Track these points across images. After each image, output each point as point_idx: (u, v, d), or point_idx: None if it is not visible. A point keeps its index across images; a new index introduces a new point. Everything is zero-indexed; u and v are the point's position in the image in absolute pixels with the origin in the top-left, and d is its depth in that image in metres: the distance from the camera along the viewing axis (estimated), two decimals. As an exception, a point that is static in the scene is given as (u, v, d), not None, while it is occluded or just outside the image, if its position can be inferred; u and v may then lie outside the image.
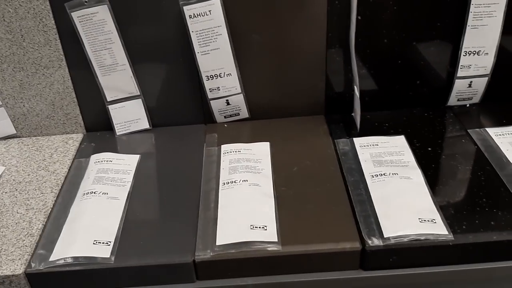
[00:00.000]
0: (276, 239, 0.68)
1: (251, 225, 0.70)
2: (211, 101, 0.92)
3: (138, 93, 0.92)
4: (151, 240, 0.71)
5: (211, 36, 0.85)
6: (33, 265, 0.68)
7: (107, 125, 0.95)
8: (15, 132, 0.95)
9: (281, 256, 0.67)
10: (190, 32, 0.85)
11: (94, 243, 0.70)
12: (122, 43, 0.86)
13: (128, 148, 0.91)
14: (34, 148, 0.93)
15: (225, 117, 0.95)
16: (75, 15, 0.83)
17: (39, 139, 0.96)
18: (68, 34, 0.86)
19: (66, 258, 0.68)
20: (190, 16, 0.83)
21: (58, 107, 0.93)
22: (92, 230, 0.72)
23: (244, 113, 0.95)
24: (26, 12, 0.84)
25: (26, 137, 0.96)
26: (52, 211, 0.77)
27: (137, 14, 0.85)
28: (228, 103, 0.93)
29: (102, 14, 0.84)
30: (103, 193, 0.78)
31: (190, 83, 0.92)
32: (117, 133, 0.94)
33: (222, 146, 0.87)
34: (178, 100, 0.94)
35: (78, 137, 0.95)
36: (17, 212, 0.77)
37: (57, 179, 0.84)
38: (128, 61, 0.88)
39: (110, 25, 0.85)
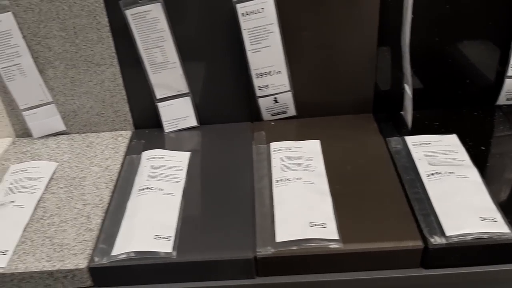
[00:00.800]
0: (337, 237, 0.68)
1: (310, 223, 0.70)
2: (259, 99, 0.92)
3: (187, 91, 0.93)
4: (210, 236, 0.71)
5: (263, 34, 0.86)
6: (96, 259, 0.68)
7: (155, 122, 0.95)
8: (64, 128, 0.96)
9: (342, 253, 0.67)
10: (242, 30, 0.85)
11: (155, 238, 0.70)
12: (173, 41, 0.87)
13: (177, 145, 0.92)
14: (85, 145, 0.94)
15: (272, 115, 0.95)
16: (129, 13, 0.84)
17: (88, 135, 0.97)
18: (120, 31, 0.87)
19: (128, 252, 0.69)
20: (242, 14, 0.84)
21: (108, 104, 0.94)
22: (152, 225, 0.72)
23: (291, 111, 0.95)
24: (80, 10, 0.85)
25: (75, 133, 0.97)
26: (110, 206, 0.78)
27: (190, 12, 0.86)
28: (276, 101, 0.93)
29: (156, 12, 0.84)
30: (158, 189, 0.79)
31: (238, 81, 0.92)
32: (166, 130, 0.95)
33: (271, 144, 0.88)
34: (226, 98, 0.95)
35: (127, 134, 0.96)
36: (74, 207, 0.78)
37: (110, 175, 0.85)
38: (179, 59, 0.89)
39: (162, 23, 0.85)
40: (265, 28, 0.85)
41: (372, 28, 0.87)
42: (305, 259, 0.67)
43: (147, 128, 0.97)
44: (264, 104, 0.93)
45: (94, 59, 0.89)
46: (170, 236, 0.71)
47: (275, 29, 0.85)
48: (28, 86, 0.91)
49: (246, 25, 0.85)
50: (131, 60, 0.89)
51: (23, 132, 0.97)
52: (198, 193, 0.80)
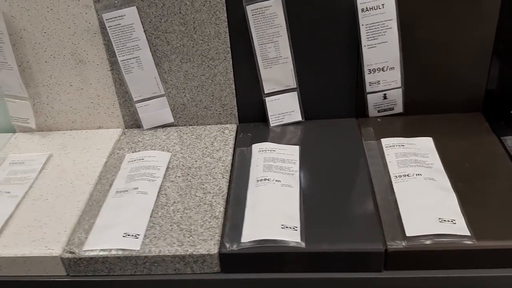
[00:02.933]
0: (468, 233, 0.68)
1: (439, 218, 0.70)
2: (368, 95, 0.93)
3: (295, 86, 0.94)
4: (335, 228, 0.72)
5: (381, 30, 0.86)
6: (227, 245, 0.70)
7: (258, 116, 0.97)
8: (173, 120, 1.00)
9: (476, 250, 0.66)
10: (360, 26, 0.86)
11: (282, 228, 0.72)
12: (288, 36, 0.89)
13: (284, 139, 0.93)
14: (194, 137, 0.96)
15: (378, 111, 0.95)
16: (250, 8, 0.86)
17: (195, 128, 0.99)
18: (237, 27, 0.89)
19: (258, 240, 0.70)
20: (362, 10, 0.85)
21: (216, 98, 0.97)
22: (277, 215, 0.74)
23: (399, 108, 0.95)
24: (202, 5, 0.87)
25: (182, 126, 1.00)
26: (229, 196, 0.80)
27: (307, 7, 0.87)
28: (385, 97, 0.93)
29: (275, 8, 0.86)
30: (276, 181, 0.80)
31: (346, 76, 0.93)
32: (271, 125, 0.97)
33: (382, 140, 0.88)
34: (332, 93, 0.95)
35: (232, 127, 0.98)
36: (195, 195, 0.81)
37: (224, 165, 0.87)
38: (291, 54, 0.90)
39: (280, 19, 0.87)
40: (383, 24, 0.85)
41: (491, 26, 0.86)
42: (437, 254, 0.67)
43: (250, 122, 0.99)
44: (372, 100, 0.93)
45: (209, 54, 0.92)
46: (297, 227, 0.72)
47: (394, 25, 0.85)
48: (144, 78, 0.94)
49: (364, 20, 0.85)
50: (244, 55, 0.91)
51: (132, 123, 1.01)
52: (315, 186, 0.81)
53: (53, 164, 0.92)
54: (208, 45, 0.91)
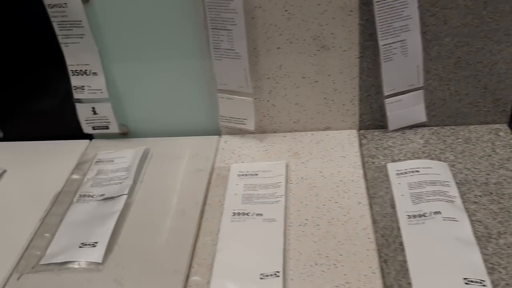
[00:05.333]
0: None
1: None
2: None
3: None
4: None
5: None
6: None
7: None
8: (425, 120, 0.80)
9: None
10: None
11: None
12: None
13: None
14: (460, 141, 0.76)
15: None
16: None
17: (454, 129, 0.79)
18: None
19: None
20: None
21: (490, 91, 0.76)
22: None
23: None
24: (506, -29, 0.67)
25: (434, 126, 0.81)
26: None
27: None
28: None
29: None
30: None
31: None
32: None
33: None
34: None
35: (505, 128, 0.78)
36: (524, 224, 0.61)
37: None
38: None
39: None
40: None
41: None
42: None
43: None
44: None
45: (496, 36, 0.71)
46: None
47: None
48: (404, 67, 0.74)
49: None
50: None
51: (369, 123, 0.81)
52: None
53: (295, 176, 0.74)
54: (498, 24, 0.71)
